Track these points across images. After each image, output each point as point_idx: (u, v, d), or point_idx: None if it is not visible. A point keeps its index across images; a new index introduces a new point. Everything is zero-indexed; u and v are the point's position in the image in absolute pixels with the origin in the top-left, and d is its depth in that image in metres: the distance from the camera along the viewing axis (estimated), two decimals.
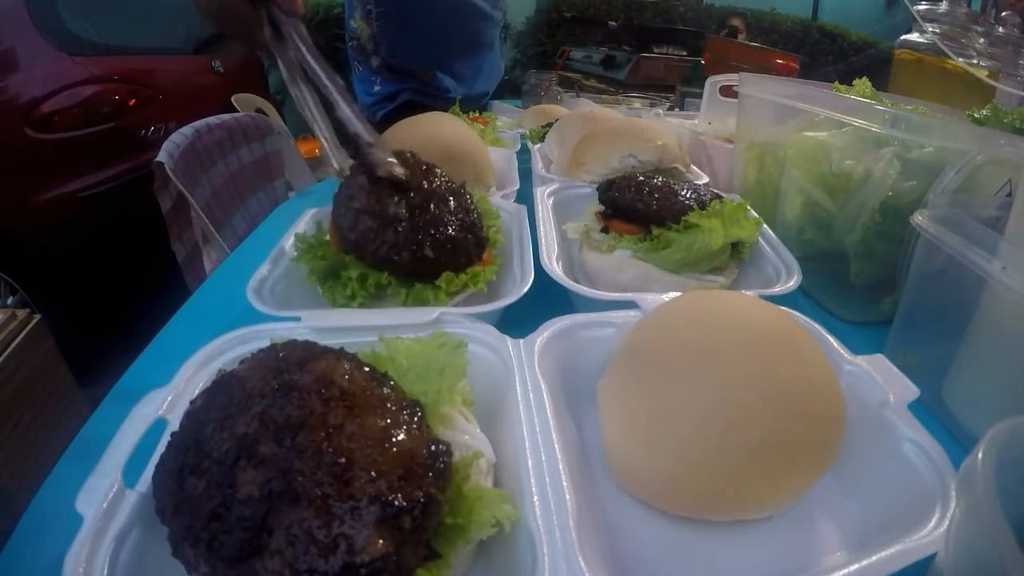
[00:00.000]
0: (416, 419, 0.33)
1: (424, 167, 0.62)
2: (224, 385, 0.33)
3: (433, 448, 0.32)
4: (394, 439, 0.31)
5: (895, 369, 0.45)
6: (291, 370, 0.32)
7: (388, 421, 0.32)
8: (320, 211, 0.72)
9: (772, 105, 0.84)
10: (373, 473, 0.29)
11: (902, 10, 1.19)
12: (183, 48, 2.33)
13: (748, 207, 0.71)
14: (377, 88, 1.71)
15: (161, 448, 0.34)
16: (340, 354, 0.35)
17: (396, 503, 0.29)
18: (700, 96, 1.26)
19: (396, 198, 0.57)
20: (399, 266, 0.56)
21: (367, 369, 0.35)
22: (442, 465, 0.32)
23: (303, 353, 0.34)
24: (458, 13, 1.49)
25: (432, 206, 0.58)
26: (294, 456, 0.29)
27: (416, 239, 0.56)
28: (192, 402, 0.34)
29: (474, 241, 0.60)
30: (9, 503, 1.07)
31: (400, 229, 0.56)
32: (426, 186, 0.59)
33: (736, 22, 3.87)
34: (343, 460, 0.29)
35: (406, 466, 0.30)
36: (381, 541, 0.28)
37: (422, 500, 0.29)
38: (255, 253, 0.64)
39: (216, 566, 0.28)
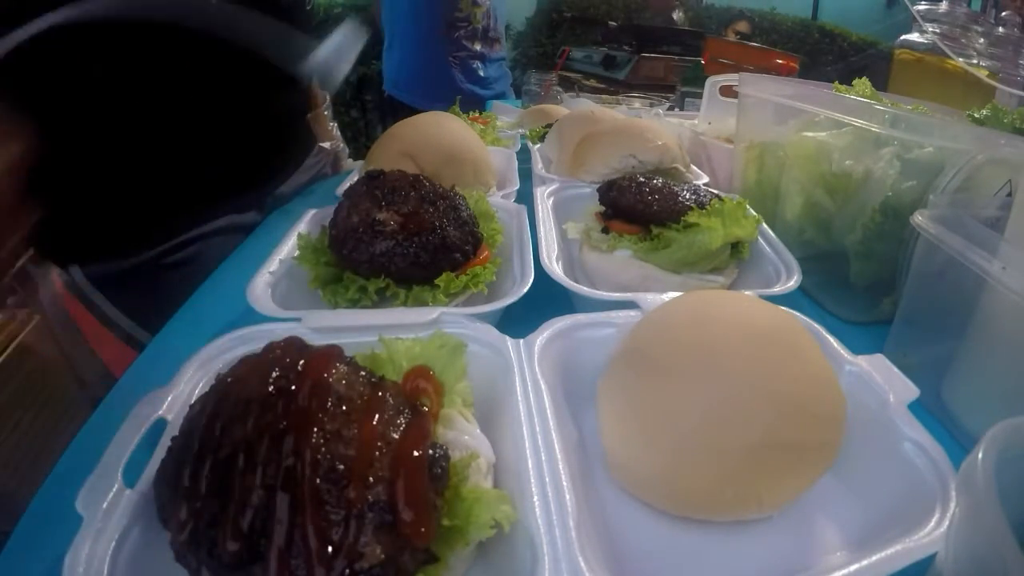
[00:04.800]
0: (413, 422, 0.33)
1: (408, 177, 0.62)
2: (221, 390, 0.33)
3: (430, 452, 0.32)
4: (390, 444, 0.31)
5: (895, 369, 0.45)
6: (288, 374, 0.32)
7: (384, 426, 0.32)
8: (321, 212, 0.72)
9: (772, 105, 0.84)
10: (370, 479, 0.29)
11: (902, 10, 1.19)
12: None
13: (747, 206, 0.71)
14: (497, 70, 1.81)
15: (161, 448, 0.34)
16: (336, 356, 0.35)
17: (394, 509, 0.29)
18: (700, 96, 1.26)
19: (383, 212, 0.58)
20: (395, 274, 0.57)
21: (363, 373, 0.35)
22: (439, 469, 0.32)
23: (298, 355, 0.34)
24: None
25: (421, 211, 0.59)
26: (292, 462, 0.29)
27: (409, 246, 0.56)
28: (191, 407, 0.34)
29: (467, 238, 0.60)
30: (9, 503, 1.07)
31: (390, 240, 0.56)
32: (413, 194, 0.60)
33: (742, 26, 3.85)
34: (340, 466, 0.29)
35: (404, 471, 0.30)
36: (379, 547, 0.28)
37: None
38: (256, 253, 0.64)
39: (217, 572, 0.28)
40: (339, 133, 1.17)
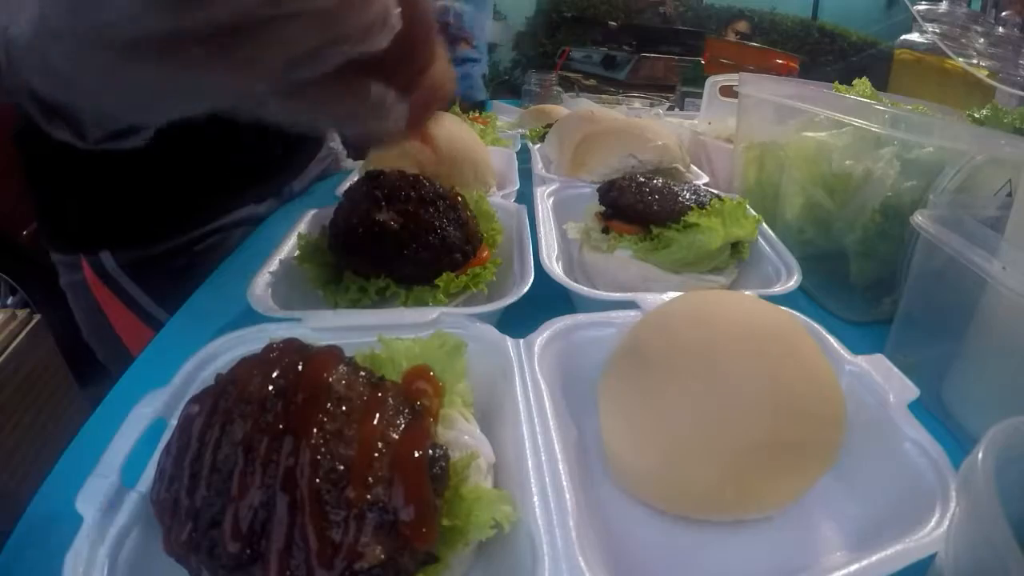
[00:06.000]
0: (413, 422, 0.33)
1: (408, 177, 0.62)
2: (220, 390, 0.33)
3: (430, 452, 0.32)
4: (390, 444, 0.31)
5: (895, 369, 0.44)
6: (287, 374, 0.32)
7: (384, 426, 0.32)
8: (321, 212, 0.72)
9: (772, 105, 0.84)
10: (370, 479, 0.29)
11: (902, 10, 1.20)
12: None
13: (747, 205, 0.71)
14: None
15: (161, 448, 0.34)
16: (336, 356, 0.35)
17: (393, 509, 0.29)
18: (700, 96, 1.26)
19: (382, 212, 0.57)
20: (395, 274, 0.57)
21: (363, 373, 0.35)
22: (439, 469, 0.32)
23: (298, 356, 0.34)
24: None
25: (420, 212, 0.59)
26: (291, 463, 0.29)
27: (409, 246, 0.56)
28: (188, 406, 0.34)
29: (467, 238, 0.60)
30: (9, 503, 1.07)
31: (390, 240, 0.56)
32: (413, 195, 0.60)
33: (742, 26, 3.86)
34: (340, 467, 0.29)
35: (403, 471, 0.30)
36: (379, 548, 0.28)
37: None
38: (256, 253, 0.64)
39: (217, 572, 0.28)
40: (338, 136, 1.21)
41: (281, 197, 1.03)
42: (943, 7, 1.10)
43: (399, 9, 0.27)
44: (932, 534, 0.33)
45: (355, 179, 0.66)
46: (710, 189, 0.76)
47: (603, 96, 1.81)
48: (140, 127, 0.34)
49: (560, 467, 0.36)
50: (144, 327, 0.87)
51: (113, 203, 0.83)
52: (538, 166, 0.97)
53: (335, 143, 1.17)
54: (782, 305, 0.47)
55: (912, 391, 0.42)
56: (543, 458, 0.37)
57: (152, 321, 0.87)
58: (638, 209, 0.68)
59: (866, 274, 0.67)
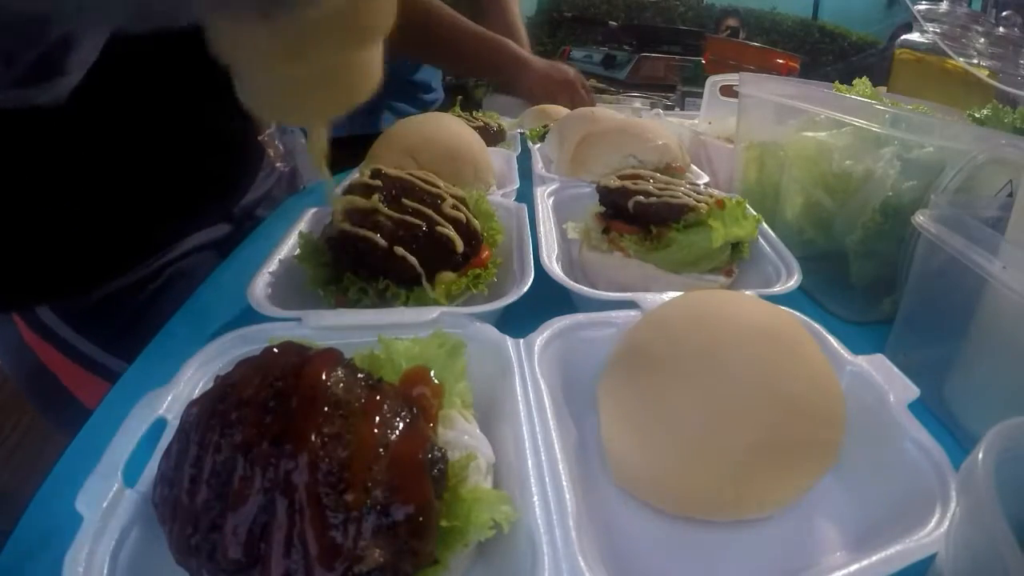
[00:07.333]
0: (411, 425, 0.33)
1: (408, 177, 0.62)
2: (219, 393, 0.33)
3: (429, 455, 0.32)
4: (389, 446, 0.31)
5: (895, 369, 0.44)
6: (286, 377, 0.32)
7: (383, 428, 0.32)
8: (321, 211, 0.72)
9: (772, 105, 0.84)
10: (369, 483, 0.29)
11: (902, 10, 1.19)
12: None
13: (747, 205, 0.71)
14: None
15: (161, 448, 0.34)
16: (335, 359, 0.35)
17: (392, 512, 0.29)
18: (700, 96, 1.26)
19: (382, 212, 0.57)
20: (395, 275, 0.57)
21: (361, 376, 0.35)
22: (438, 472, 0.32)
23: (297, 359, 0.34)
24: None
25: (420, 211, 0.58)
26: (290, 466, 0.29)
27: (409, 246, 0.56)
28: (188, 410, 0.34)
29: (467, 238, 0.60)
30: (9, 503, 1.07)
31: (389, 240, 0.56)
32: (410, 196, 0.59)
33: (733, 22, 3.89)
34: (339, 470, 0.29)
35: (402, 474, 0.30)
36: (378, 551, 0.28)
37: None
38: (256, 253, 0.64)
39: (217, 575, 0.28)
40: (298, 150, 1.14)
41: (235, 219, 0.92)
42: (943, 7, 1.10)
43: None
44: (932, 534, 0.33)
45: (355, 177, 0.66)
46: (710, 189, 0.76)
47: (603, 96, 1.81)
48: (59, 68, 0.24)
49: (560, 467, 0.36)
50: (99, 381, 0.76)
51: (33, 250, 0.71)
52: (538, 166, 0.97)
53: (280, 163, 1.08)
54: (782, 305, 0.47)
55: (912, 391, 0.42)
56: (543, 458, 0.37)
57: (108, 373, 0.75)
58: (638, 209, 0.68)
59: (866, 274, 0.67)
